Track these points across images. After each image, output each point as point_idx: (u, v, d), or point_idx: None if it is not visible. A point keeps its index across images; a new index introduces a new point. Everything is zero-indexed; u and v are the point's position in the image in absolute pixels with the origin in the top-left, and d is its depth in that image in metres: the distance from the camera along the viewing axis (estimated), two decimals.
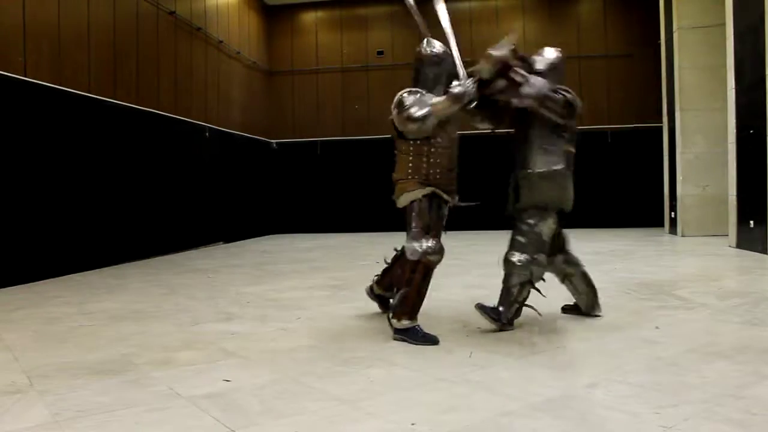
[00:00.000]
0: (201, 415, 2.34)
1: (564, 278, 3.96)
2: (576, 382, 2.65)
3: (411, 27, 13.31)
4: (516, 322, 3.81)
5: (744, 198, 7.86)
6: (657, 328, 3.64)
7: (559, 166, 3.64)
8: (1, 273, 5.77)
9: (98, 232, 7.33)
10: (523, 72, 3.56)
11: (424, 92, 3.63)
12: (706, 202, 10.02)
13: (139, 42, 8.53)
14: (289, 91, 13.73)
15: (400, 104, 3.56)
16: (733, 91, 8.04)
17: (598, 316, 3.92)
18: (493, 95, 3.67)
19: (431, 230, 3.58)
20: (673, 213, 10.70)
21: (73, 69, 7.07)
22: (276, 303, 4.82)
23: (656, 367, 2.88)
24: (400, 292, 3.52)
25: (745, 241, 7.80)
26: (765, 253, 7.15)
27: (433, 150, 3.60)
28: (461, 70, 3.67)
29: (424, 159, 3.60)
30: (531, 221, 3.62)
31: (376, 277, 4.24)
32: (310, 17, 13.71)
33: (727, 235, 8.45)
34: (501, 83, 3.60)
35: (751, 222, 7.61)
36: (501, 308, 3.60)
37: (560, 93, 3.59)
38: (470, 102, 3.60)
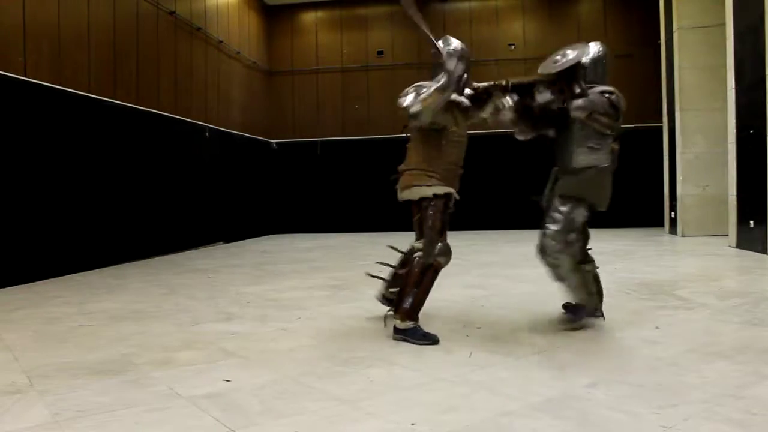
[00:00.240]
0: (201, 415, 2.34)
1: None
2: (576, 382, 2.65)
3: (411, 27, 13.34)
4: (516, 322, 3.82)
5: (744, 198, 7.86)
6: (657, 328, 3.64)
7: (604, 164, 3.61)
8: (1, 273, 5.77)
9: (98, 232, 7.33)
10: (582, 86, 3.55)
11: (428, 84, 3.61)
12: (706, 202, 10.02)
13: (139, 42, 8.53)
14: (289, 91, 13.73)
15: (404, 99, 3.61)
16: (733, 91, 8.04)
17: (599, 317, 3.91)
18: (533, 105, 3.70)
19: (443, 232, 3.57)
20: (673, 213, 10.70)
21: (73, 69, 7.07)
22: (276, 303, 4.82)
23: (656, 367, 2.88)
24: (407, 292, 3.50)
25: (745, 241, 7.80)
26: (765, 253, 7.15)
27: (444, 142, 3.62)
28: (443, 54, 3.62)
29: (435, 150, 3.61)
30: (564, 208, 3.60)
31: (385, 284, 4.14)
32: (310, 17, 13.71)
33: (727, 235, 8.45)
34: (545, 96, 3.65)
35: (751, 222, 7.61)
36: (579, 301, 3.56)
37: (605, 97, 3.55)
38: (454, 92, 3.58)
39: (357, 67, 13.38)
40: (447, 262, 3.57)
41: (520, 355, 3.13)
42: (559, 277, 3.61)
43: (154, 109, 8.73)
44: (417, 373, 2.85)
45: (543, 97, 3.68)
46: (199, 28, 10.23)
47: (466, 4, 13.14)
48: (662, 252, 8.19)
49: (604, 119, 3.52)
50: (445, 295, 4.83)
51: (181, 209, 9.37)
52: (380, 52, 13.32)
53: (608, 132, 3.58)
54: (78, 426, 2.26)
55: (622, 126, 3.72)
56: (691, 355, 3.06)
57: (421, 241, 3.53)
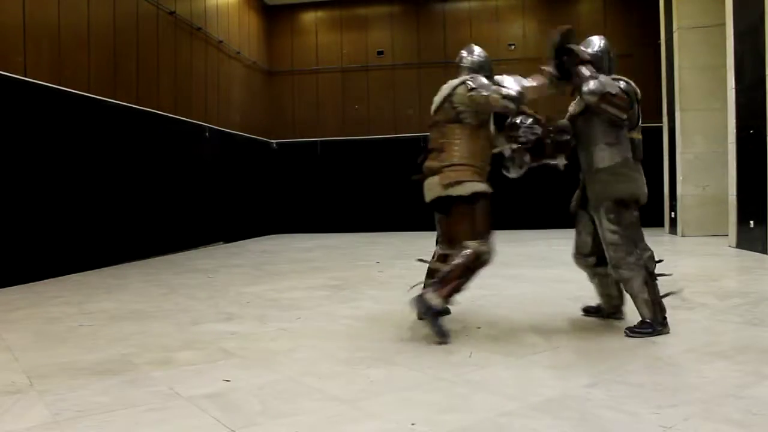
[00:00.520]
0: (201, 415, 2.34)
1: (594, 277, 3.85)
2: (576, 382, 2.65)
3: (411, 27, 13.36)
4: (516, 322, 3.82)
5: (744, 198, 7.85)
6: None
7: (622, 158, 3.55)
8: (1, 273, 5.77)
9: (98, 232, 7.33)
10: (589, 70, 3.49)
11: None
12: (706, 202, 10.02)
13: (139, 42, 8.53)
14: (289, 91, 13.73)
15: (480, 84, 3.59)
16: (733, 91, 8.04)
17: (620, 319, 3.81)
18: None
19: (491, 232, 3.59)
20: (673, 213, 10.70)
21: (73, 69, 7.07)
22: (276, 303, 4.82)
23: (656, 367, 2.88)
24: (455, 275, 3.43)
25: (745, 241, 7.80)
26: (765, 253, 7.15)
27: (480, 137, 3.65)
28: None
29: (480, 145, 3.64)
30: (612, 220, 3.50)
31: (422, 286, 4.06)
32: (310, 17, 13.71)
33: (727, 235, 8.45)
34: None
35: (751, 222, 7.61)
36: (648, 319, 3.43)
37: (620, 87, 3.50)
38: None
39: (357, 67, 13.38)
40: (492, 259, 3.58)
41: (520, 355, 3.13)
42: (631, 293, 3.49)
43: (154, 109, 8.73)
44: (417, 373, 2.85)
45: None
46: (199, 28, 10.23)
47: (466, 4, 13.14)
48: (662, 252, 8.16)
49: (618, 102, 3.42)
50: None
51: (181, 209, 9.37)
52: (380, 52, 13.33)
53: (623, 121, 3.49)
54: (78, 426, 2.26)
55: (642, 122, 3.67)
56: (691, 355, 3.06)
57: (478, 241, 3.51)
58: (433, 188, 3.72)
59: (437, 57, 12.97)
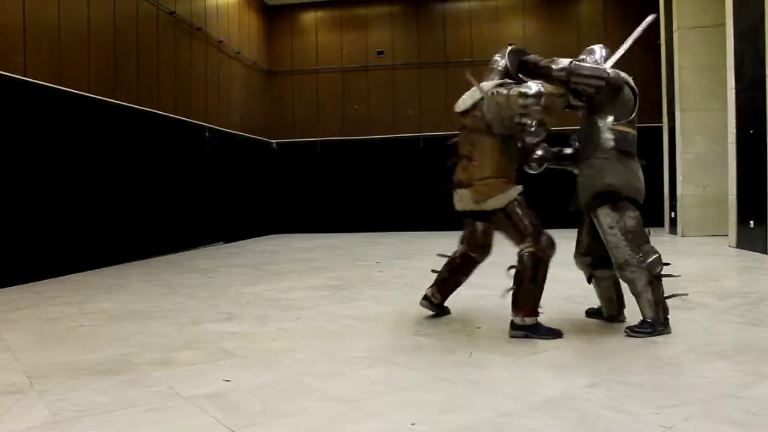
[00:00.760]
0: (201, 415, 2.34)
1: (591, 279, 3.83)
2: (576, 382, 2.65)
3: (411, 27, 13.35)
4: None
5: (744, 198, 7.85)
6: None
7: (605, 147, 3.53)
8: (1, 273, 5.77)
9: (98, 232, 7.33)
10: (545, 60, 3.60)
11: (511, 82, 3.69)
12: (706, 202, 10.02)
13: (139, 42, 8.53)
14: (289, 91, 13.73)
15: (507, 87, 3.60)
16: (733, 91, 8.04)
17: (622, 321, 3.78)
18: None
19: (539, 224, 3.58)
20: (673, 213, 10.70)
21: (73, 69, 7.07)
22: (276, 303, 4.82)
23: (656, 367, 2.88)
24: (525, 288, 3.47)
25: (745, 241, 7.80)
26: (765, 253, 7.15)
27: (511, 147, 3.67)
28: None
29: (507, 157, 3.66)
30: (612, 224, 3.48)
31: (431, 290, 4.13)
32: (310, 17, 13.71)
33: (727, 235, 8.45)
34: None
35: (751, 222, 7.61)
36: (649, 319, 3.43)
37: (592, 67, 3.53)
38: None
39: (357, 67, 13.38)
40: (554, 252, 3.56)
41: (520, 355, 3.12)
42: (634, 292, 3.48)
43: (154, 109, 8.73)
44: (417, 373, 2.85)
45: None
46: (199, 28, 10.23)
47: (466, 4, 13.14)
48: (662, 252, 8.17)
49: (587, 79, 3.43)
50: None
51: (181, 209, 9.37)
52: (380, 52, 13.32)
53: (591, 92, 3.48)
54: (78, 426, 2.26)
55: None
56: (691, 355, 3.06)
57: (526, 242, 3.52)
58: (464, 200, 3.78)
59: (437, 57, 12.98)
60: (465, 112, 3.81)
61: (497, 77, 3.79)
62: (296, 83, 13.69)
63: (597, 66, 3.54)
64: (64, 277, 6.51)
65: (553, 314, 4.04)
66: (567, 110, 3.78)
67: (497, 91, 3.59)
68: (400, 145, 13.01)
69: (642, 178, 3.62)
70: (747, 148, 7.70)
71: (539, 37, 12.52)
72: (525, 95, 3.48)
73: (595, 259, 3.74)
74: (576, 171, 3.81)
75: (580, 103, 3.64)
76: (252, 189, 12.29)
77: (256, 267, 7.38)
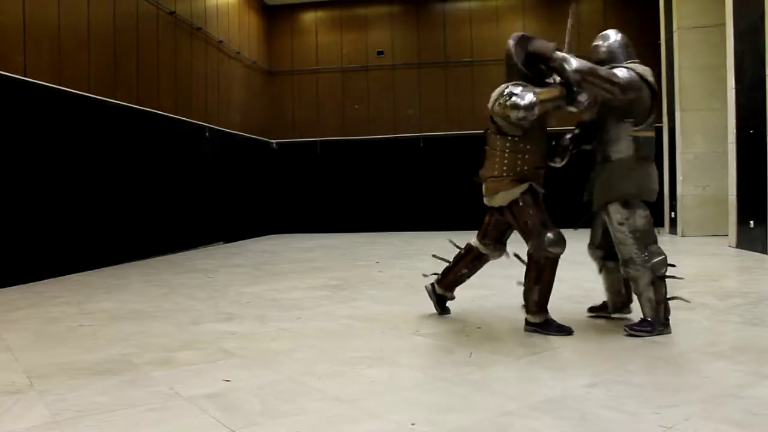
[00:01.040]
0: (201, 415, 2.34)
1: (602, 270, 3.86)
2: (576, 382, 2.65)
3: (411, 27, 13.35)
4: (516, 322, 3.81)
5: (744, 198, 7.85)
6: None
7: (625, 155, 3.51)
8: (1, 273, 5.77)
9: (98, 232, 7.33)
10: (561, 54, 3.50)
11: (528, 85, 3.65)
12: (706, 202, 10.02)
13: (139, 42, 8.53)
14: (289, 91, 13.73)
15: (506, 94, 3.57)
16: (733, 91, 8.03)
17: (627, 313, 3.82)
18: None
19: (548, 222, 3.59)
20: (673, 213, 10.70)
21: (73, 69, 7.07)
22: (276, 303, 4.82)
23: (656, 367, 2.88)
24: (531, 289, 3.55)
25: (745, 241, 7.80)
26: (765, 253, 7.15)
27: (528, 147, 3.65)
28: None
29: (519, 156, 3.65)
30: (621, 221, 3.48)
31: (436, 276, 4.21)
32: (310, 17, 13.71)
33: (727, 235, 8.45)
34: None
35: (751, 222, 7.61)
36: (649, 318, 3.44)
37: (610, 70, 3.45)
38: (575, 99, 3.58)
39: (357, 67, 13.38)
40: (562, 250, 3.57)
41: (520, 355, 3.13)
42: (636, 291, 3.49)
43: (154, 109, 8.73)
44: (417, 373, 2.85)
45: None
46: (199, 28, 10.23)
47: (466, 4, 13.14)
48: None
49: (601, 83, 3.36)
50: None
51: (181, 209, 9.37)
52: (380, 52, 13.32)
53: (609, 96, 3.41)
54: (78, 426, 2.26)
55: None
56: (691, 355, 3.06)
57: (532, 241, 3.57)
58: (487, 197, 3.87)
59: (437, 57, 12.98)
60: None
61: (516, 75, 3.73)
62: (296, 83, 13.69)
63: (612, 71, 3.45)
64: (64, 277, 6.51)
65: (553, 314, 4.03)
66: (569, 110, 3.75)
67: (498, 101, 3.59)
68: (400, 145, 13.01)
69: (656, 178, 3.60)
70: (747, 148, 7.69)
71: (539, 37, 12.50)
72: (517, 107, 3.46)
73: (606, 251, 3.75)
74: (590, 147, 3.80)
75: (575, 109, 3.62)
76: (252, 189, 12.29)
77: (256, 267, 7.38)
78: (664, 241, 9.66)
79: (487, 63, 12.47)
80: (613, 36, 3.75)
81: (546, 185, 3.77)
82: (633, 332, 3.41)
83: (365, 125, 13.28)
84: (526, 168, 3.66)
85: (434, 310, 4.20)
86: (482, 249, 4.01)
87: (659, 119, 11.31)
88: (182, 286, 5.80)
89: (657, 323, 3.42)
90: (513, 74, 3.75)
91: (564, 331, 3.51)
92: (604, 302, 3.95)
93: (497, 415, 2.28)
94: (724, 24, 8.27)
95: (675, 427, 2.11)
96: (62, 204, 6.73)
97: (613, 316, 3.91)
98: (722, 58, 8.42)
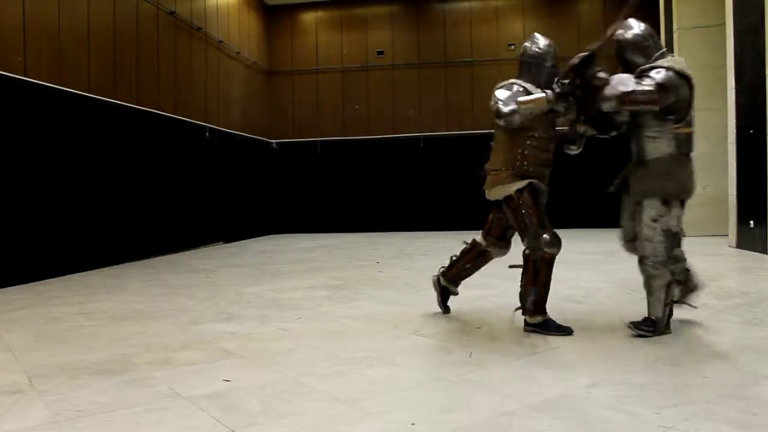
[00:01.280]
0: (201, 415, 2.34)
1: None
2: (576, 382, 2.65)
3: (411, 27, 13.35)
4: (516, 322, 3.81)
5: (744, 198, 7.85)
6: None
7: (665, 152, 3.41)
8: (1, 273, 5.77)
9: (98, 232, 7.33)
10: (603, 75, 3.38)
11: (523, 86, 3.67)
12: (706, 202, 10.01)
13: (139, 42, 8.53)
14: (289, 91, 13.73)
15: (493, 97, 3.63)
16: (733, 91, 8.04)
17: (694, 307, 3.70)
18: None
19: (545, 222, 3.60)
20: None
21: (73, 69, 7.07)
22: (276, 303, 4.82)
23: (656, 367, 2.88)
24: (528, 290, 3.56)
25: (745, 241, 7.80)
26: (765, 253, 7.15)
27: (528, 142, 3.65)
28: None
29: (519, 150, 3.65)
30: (655, 217, 3.40)
31: (442, 268, 4.23)
32: (310, 17, 13.71)
33: (727, 235, 8.45)
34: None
35: (751, 222, 7.61)
36: (654, 317, 3.41)
37: (648, 77, 3.33)
38: (560, 107, 3.58)
39: (357, 67, 13.38)
40: (558, 251, 3.57)
41: (520, 355, 3.13)
42: (649, 289, 3.44)
43: (154, 109, 8.73)
44: (417, 373, 2.85)
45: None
46: (199, 28, 10.23)
47: (466, 4, 13.14)
48: None
49: (639, 97, 3.27)
50: None
51: (181, 209, 9.37)
52: (380, 52, 13.32)
53: (654, 108, 3.31)
54: (78, 426, 2.26)
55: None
56: (691, 355, 3.06)
57: (527, 240, 3.57)
58: (486, 191, 3.89)
59: (437, 57, 12.98)
60: None
61: (526, 75, 3.77)
62: (296, 83, 13.69)
63: (648, 81, 3.31)
64: (64, 277, 6.51)
65: (553, 314, 4.03)
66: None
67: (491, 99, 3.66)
68: (400, 145, 13.01)
69: (693, 175, 3.51)
70: (747, 148, 7.69)
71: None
72: (498, 114, 3.53)
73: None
74: (604, 134, 3.74)
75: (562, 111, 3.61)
76: (252, 189, 12.29)
77: (256, 267, 7.38)
78: None
79: (487, 63, 12.47)
80: (636, 27, 3.64)
81: (557, 186, 3.77)
82: (640, 332, 3.39)
83: (365, 125, 13.28)
84: (526, 164, 3.65)
85: (434, 310, 4.20)
86: (485, 245, 4.02)
87: None
88: (182, 286, 5.80)
89: (660, 323, 3.42)
90: (524, 72, 3.78)
91: (564, 331, 3.51)
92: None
93: (497, 415, 2.28)
94: (724, 24, 8.28)
95: (675, 427, 2.11)
96: (62, 204, 6.73)
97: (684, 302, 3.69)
98: (722, 58, 8.42)
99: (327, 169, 13.32)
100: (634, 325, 3.44)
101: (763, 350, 3.11)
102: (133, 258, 7.95)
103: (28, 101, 6.28)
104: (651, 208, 3.42)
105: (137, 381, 2.80)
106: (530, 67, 3.78)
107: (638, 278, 5.28)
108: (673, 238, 3.42)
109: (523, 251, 3.62)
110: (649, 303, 3.47)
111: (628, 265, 6.53)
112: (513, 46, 12.69)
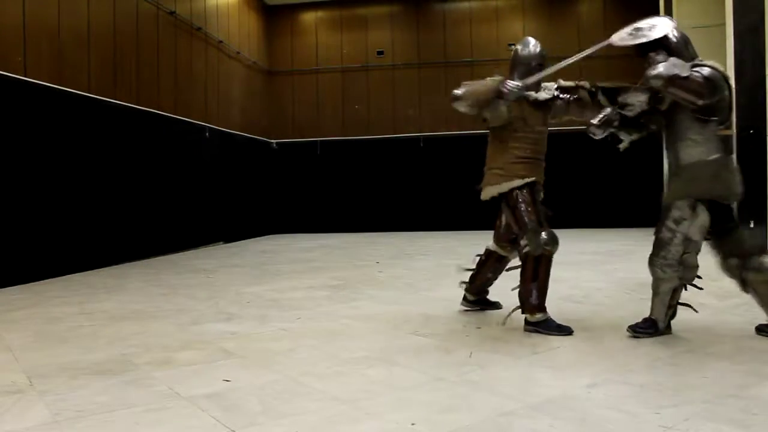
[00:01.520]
0: (201, 415, 2.34)
1: (744, 286, 3.48)
2: (576, 382, 2.65)
3: (411, 27, 13.35)
4: (516, 322, 3.81)
5: (744, 198, 7.83)
6: None
7: (711, 156, 3.28)
8: (1, 273, 5.77)
9: (98, 232, 7.33)
10: (662, 56, 3.35)
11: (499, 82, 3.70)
12: None
13: (139, 42, 8.53)
14: (289, 91, 13.73)
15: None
16: (734, 91, 8.03)
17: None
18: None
19: (543, 221, 3.61)
20: None
21: (73, 69, 7.07)
22: (276, 303, 4.82)
23: (656, 367, 2.88)
24: (528, 288, 3.56)
25: None
26: (765, 253, 7.14)
27: (517, 143, 3.69)
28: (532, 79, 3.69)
29: (508, 149, 3.70)
30: (676, 219, 3.33)
31: (464, 285, 4.25)
32: (310, 17, 13.71)
33: None
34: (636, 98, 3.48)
35: (751, 222, 7.60)
36: (654, 317, 3.37)
37: (696, 71, 3.24)
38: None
39: (357, 67, 13.38)
40: (555, 249, 3.58)
41: (520, 355, 3.13)
42: (655, 290, 3.40)
43: (154, 109, 8.73)
44: (417, 373, 2.85)
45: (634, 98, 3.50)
46: (199, 28, 10.23)
47: (466, 4, 13.14)
48: None
49: (689, 84, 3.16)
50: (445, 295, 4.83)
51: (181, 209, 9.37)
52: (380, 52, 13.32)
53: (699, 102, 3.23)
54: (78, 426, 2.26)
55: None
56: (691, 355, 3.06)
57: (525, 239, 3.58)
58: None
59: (437, 57, 12.98)
60: None
61: (517, 76, 3.82)
62: (296, 83, 13.69)
63: (696, 75, 3.25)
64: (64, 277, 6.51)
65: (553, 314, 4.03)
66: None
67: None
68: (400, 145, 13.01)
69: (737, 176, 3.40)
70: (747, 148, 7.69)
71: (539, 37, 12.42)
72: (451, 98, 3.62)
73: (739, 258, 3.46)
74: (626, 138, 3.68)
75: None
76: (252, 189, 12.29)
77: (256, 267, 7.38)
78: None
79: (487, 63, 12.46)
80: (672, 36, 3.57)
81: (557, 186, 3.78)
82: (637, 334, 3.39)
83: (365, 125, 13.28)
84: (516, 162, 3.68)
85: (434, 310, 4.21)
86: (501, 252, 4.05)
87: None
88: (182, 286, 5.80)
89: (660, 324, 3.41)
90: (514, 73, 3.83)
91: (564, 330, 3.51)
92: None
93: (497, 415, 2.28)
94: (724, 24, 8.27)
95: (675, 427, 2.11)
96: (62, 204, 6.73)
97: None
98: (722, 58, 8.41)
99: (327, 169, 13.32)
100: (633, 329, 3.42)
101: (763, 350, 3.11)
102: (133, 258, 7.95)
103: (28, 101, 6.28)
104: (678, 210, 3.34)
105: (137, 381, 2.80)
106: (520, 68, 3.84)
107: (638, 278, 5.28)
108: (692, 246, 3.34)
109: (521, 249, 3.62)
110: (653, 304, 3.44)
111: (628, 265, 6.56)
112: (513, 46, 12.69)
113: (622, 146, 3.75)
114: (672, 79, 3.19)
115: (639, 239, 9.83)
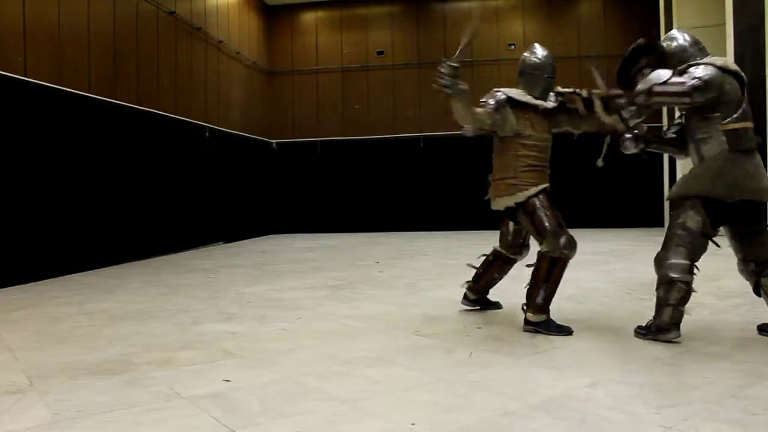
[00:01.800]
0: (201, 415, 2.34)
1: (757, 289, 3.43)
2: (576, 382, 2.65)
3: (411, 27, 13.36)
4: (516, 322, 3.81)
5: None
6: None
7: (714, 152, 3.23)
8: (1, 273, 5.77)
9: (98, 232, 7.33)
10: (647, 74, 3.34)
11: (507, 94, 3.79)
12: None
13: (139, 42, 8.53)
14: (289, 91, 13.73)
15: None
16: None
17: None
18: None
19: (562, 224, 3.62)
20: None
21: (73, 69, 7.07)
22: (276, 303, 4.82)
23: (656, 367, 2.88)
24: (539, 287, 3.57)
25: None
26: None
27: (521, 151, 3.72)
28: None
29: (514, 158, 3.72)
30: (678, 217, 3.28)
31: (467, 284, 4.27)
32: (310, 17, 13.71)
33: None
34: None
35: None
36: (658, 319, 3.30)
37: (687, 74, 3.24)
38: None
39: (357, 67, 13.38)
40: (573, 254, 3.60)
41: (520, 355, 3.13)
42: (660, 296, 3.32)
43: (154, 109, 8.73)
44: (417, 373, 2.85)
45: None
46: (199, 28, 10.23)
47: (466, 4, 13.14)
48: None
49: (671, 89, 3.15)
50: (445, 295, 4.83)
51: (181, 209, 9.37)
52: (380, 52, 13.33)
53: (686, 104, 3.23)
54: (78, 426, 2.26)
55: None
56: (691, 355, 3.06)
57: (545, 243, 3.59)
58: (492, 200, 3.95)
59: (437, 57, 12.86)
60: None
61: (525, 86, 3.89)
62: (296, 83, 13.69)
63: (684, 76, 3.26)
64: (65, 277, 6.51)
65: (553, 314, 4.03)
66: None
67: None
68: (400, 145, 13.01)
69: (760, 173, 3.25)
70: None
71: (539, 37, 12.50)
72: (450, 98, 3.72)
73: (758, 263, 3.36)
74: (677, 156, 3.66)
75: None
76: (252, 189, 12.29)
77: (256, 267, 7.38)
78: None
79: (488, 63, 12.46)
80: (681, 38, 3.57)
81: (557, 185, 3.81)
82: (640, 335, 3.39)
83: (365, 125, 13.28)
84: (522, 171, 3.70)
85: (434, 310, 4.21)
86: (511, 255, 4.10)
87: (660, 119, 11.30)
88: (182, 286, 5.80)
89: (663, 325, 3.39)
90: (522, 81, 3.88)
91: (564, 331, 3.52)
92: None
93: (497, 415, 2.28)
94: (724, 24, 8.27)
95: (675, 427, 2.11)
96: (62, 204, 6.73)
97: None
98: None
99: (327, 169, 13.32)
100: (637, 332, 3.40)
101: (763, 350, 3.11)
102: (133, 258, 7.95)
103: (29, 101, 6.28)
104: (677, 208, 3.32)
105: (137, 381, 2.80)
106: (527, 77, 3.85)
107: (638, 278, 5.29)
108: (700, 246, 3.30)
109: (539, 252, 3.64)
110: (657, 307, 3.34)
111: (628, 265, 6.56)
112: (513, 46, 12.70)
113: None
114: (650, 91, 3.24)
115: (639, 239, 9.83)
